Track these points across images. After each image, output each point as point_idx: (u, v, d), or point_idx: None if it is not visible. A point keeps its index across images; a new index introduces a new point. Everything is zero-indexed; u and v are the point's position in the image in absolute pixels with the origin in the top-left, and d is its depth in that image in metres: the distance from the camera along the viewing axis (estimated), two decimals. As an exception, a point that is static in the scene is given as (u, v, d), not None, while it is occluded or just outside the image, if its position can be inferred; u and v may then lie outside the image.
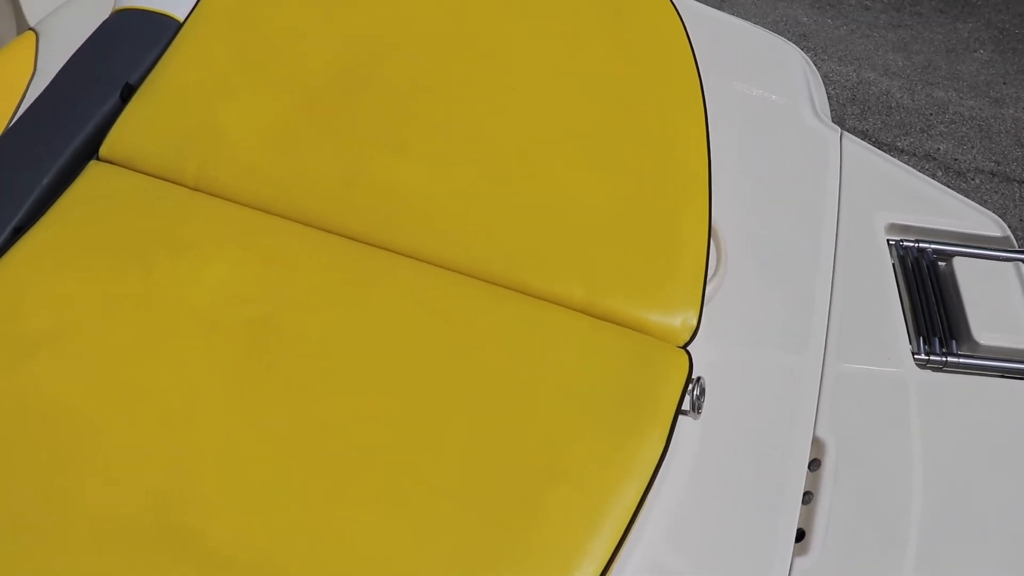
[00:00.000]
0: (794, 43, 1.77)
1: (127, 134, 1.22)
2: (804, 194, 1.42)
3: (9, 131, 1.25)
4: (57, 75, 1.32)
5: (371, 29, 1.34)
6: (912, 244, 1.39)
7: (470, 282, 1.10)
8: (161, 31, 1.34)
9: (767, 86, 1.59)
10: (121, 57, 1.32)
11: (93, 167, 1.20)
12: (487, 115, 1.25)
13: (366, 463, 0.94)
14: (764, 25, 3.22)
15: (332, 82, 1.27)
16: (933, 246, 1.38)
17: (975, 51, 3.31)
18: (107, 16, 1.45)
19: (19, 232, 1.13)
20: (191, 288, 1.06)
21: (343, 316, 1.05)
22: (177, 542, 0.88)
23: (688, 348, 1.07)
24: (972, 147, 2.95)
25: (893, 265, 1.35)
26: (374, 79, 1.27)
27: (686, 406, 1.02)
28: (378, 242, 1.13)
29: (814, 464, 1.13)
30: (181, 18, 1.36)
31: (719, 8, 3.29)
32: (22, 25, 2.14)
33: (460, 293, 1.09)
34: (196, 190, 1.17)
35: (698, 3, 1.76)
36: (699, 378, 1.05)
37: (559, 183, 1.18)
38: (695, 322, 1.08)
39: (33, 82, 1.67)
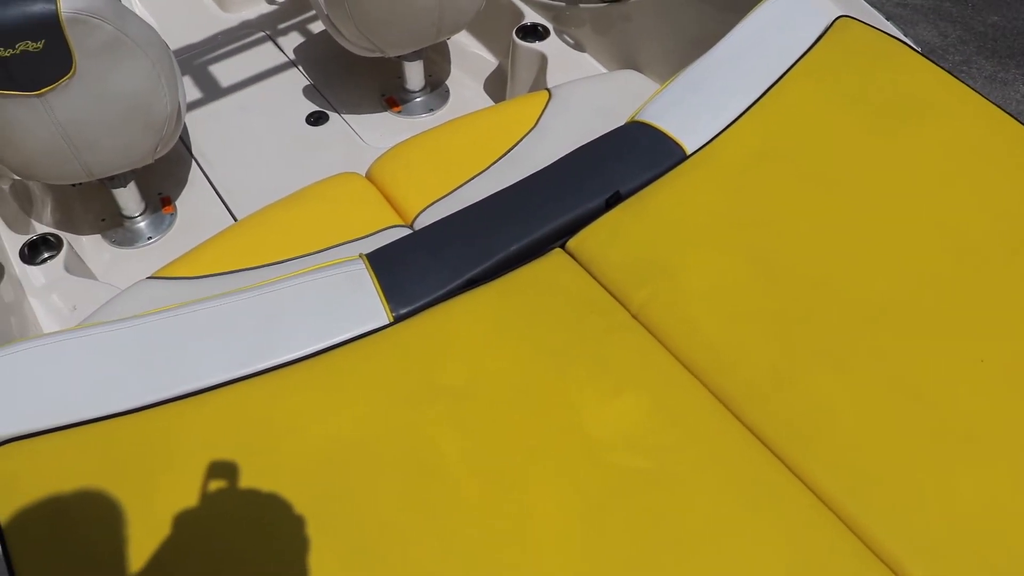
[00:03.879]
0: None
1: (597, 238, 1.27)
2: None
3: (505, 191, 1.36)
4: (564, 158, 1.41)
5: (859, 240, 1.28)
6: None
7: (851, 541, 0.99)
8: (666, 155, 1.39)
9: None
10: (622, 165, 1.38)
11: (556, 255, 1.26)
12: (949, 375, 1.13)
13: None
14: None
15: (798, 275, 1.23)
16: None
17: None
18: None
19: (472, 283, 1.22)
20: (590, 411, 1.07)
21: (715, 514, 1.00)
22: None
23: None
24: None
25: None
26: (847, 289, 1.21)
27: None
28: (781, 454, 1.07)
29: None
30: (689, 150, 1.39)
31: None
32: (540, 82, 2.36)
33: (836, 550, 0.99)
34: (635, 317, 1.19)
35: None
36: None
37: (995, 484, 1.04)
38: None
39: (528, 135, 1.82)
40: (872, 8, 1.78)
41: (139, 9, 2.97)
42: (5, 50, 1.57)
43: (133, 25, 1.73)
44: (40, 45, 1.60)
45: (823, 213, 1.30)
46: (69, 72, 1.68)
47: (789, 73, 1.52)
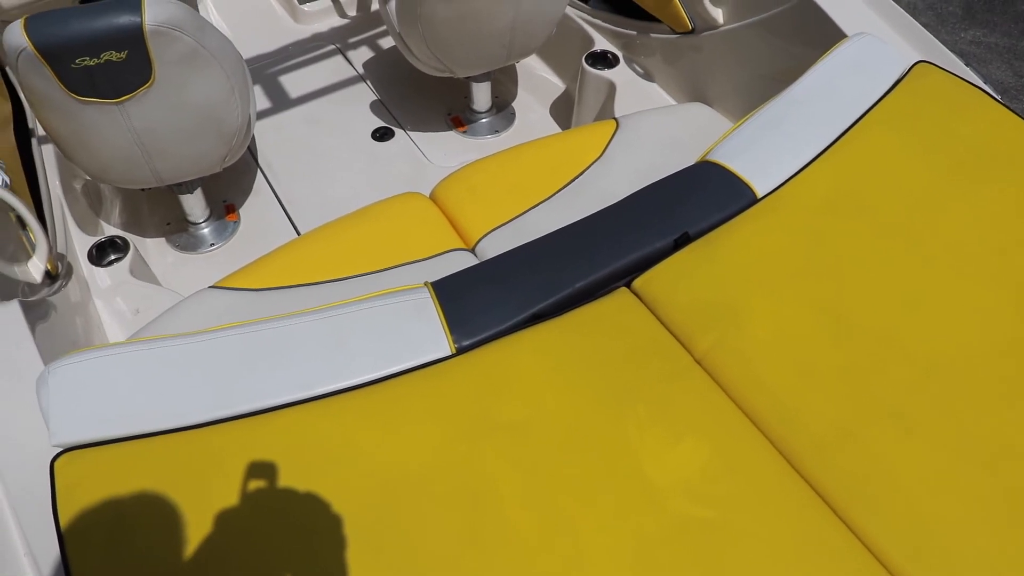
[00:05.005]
0: None
1: (664, 279, 1.26)
2: None
3: (572, 226, 1.35)
4: (634, 196, 1.40)
5: (931, 296, 1.24)
6: None
7: None
8: (737, 197, 1.37)
9: None
10: (692, 205, 1.36)
11: (622, 294, 1.25)
12: (1022, 442, 1.10)
13: None
14: None
15: (867, 328, 1.20)
16: None
17: None
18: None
19: (536, 318, 1.21)
20: (649, 455, 1.05)
21: (771, 568, 0.97)
22: None
23: None
24: None
25: None
26: (917, 346, 1.18)
27: None
28: (842, 513, 1.04)
29: None
30: (759, 193, 1.37)
31: None
32: (607, 110, 2.35)
33: None
34: (699, 363, 1.17)
35: None
36: None
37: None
38: None
39: (594, 165, 1.82)
40: (952, 53, 1.74)
41: (214, 18, 3.03)
42: (91, 59, 1.61)
43: (211, 37, 1.76)
44: (123, 55, 1.63)
45: (895, 266, 1.27)
46: (148, 81, 1.71)
47: (864, 119, 1.50)
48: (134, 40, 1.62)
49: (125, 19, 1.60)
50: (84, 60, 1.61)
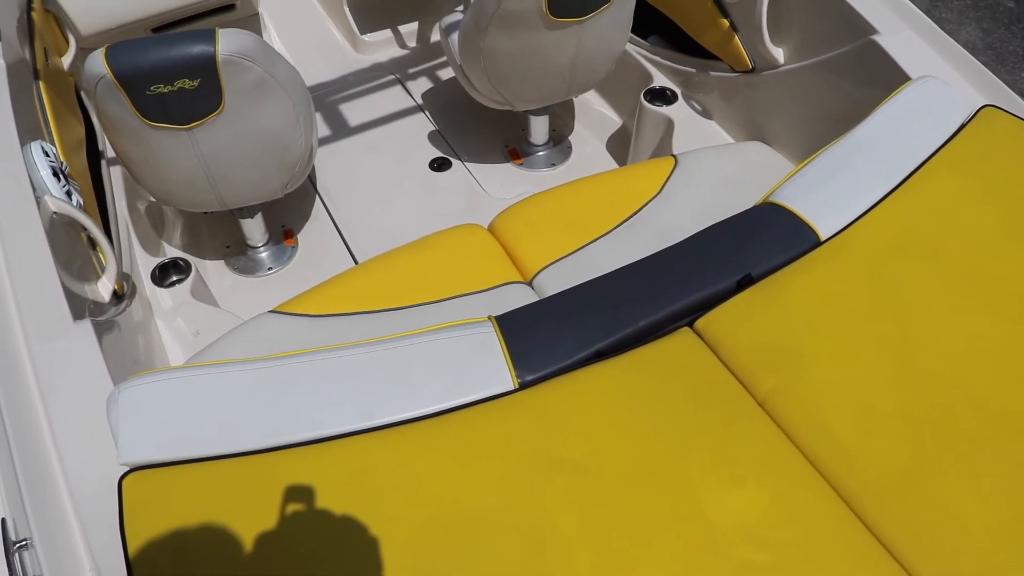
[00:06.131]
0: None
1: (727, 320, 1.25)
2: None
3: (636, 264, 1.35)
4: (697, 235, 1.40)
5: (997, 343, 1.22)
6: None
7: None
8: (800, 239, 1.36)
9: None
10: (755, 247, 1.36)
11: (684, 334, 1.25)
12: None
13: None
14: None
15: (932, 374, 1.18)
16: None
17: None
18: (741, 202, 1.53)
19: (599, 355, 1.21)
20: (710, 498, 1.05)
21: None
22: None
23: None
24: None
25: None
26: (983, 394, 1.15)
27: None
28: (904, 561, 1.02)
29: None
30: (823, 236, 1.36)
31: None
32: (664, 146, 2.36)
33: None
34: (761, 405, 1.16)
35: None
36: None
37: None
38: None
39: (653, 201, 1.82)
40: (1019, 97, 1.72)
41: (277, 47, 3.09)
42: (165, 87, 1.66)
43: (280, 67, 1.80)
44: (196, 83, 1.68)
45: (961, 311, 1.26)
46: (218, 109, 1.75)
47: (929, 162, 1.48)
48: (207, 69, 1.67)
49: (200, 49, 1.64)
50: (159, 87, 1.66)
